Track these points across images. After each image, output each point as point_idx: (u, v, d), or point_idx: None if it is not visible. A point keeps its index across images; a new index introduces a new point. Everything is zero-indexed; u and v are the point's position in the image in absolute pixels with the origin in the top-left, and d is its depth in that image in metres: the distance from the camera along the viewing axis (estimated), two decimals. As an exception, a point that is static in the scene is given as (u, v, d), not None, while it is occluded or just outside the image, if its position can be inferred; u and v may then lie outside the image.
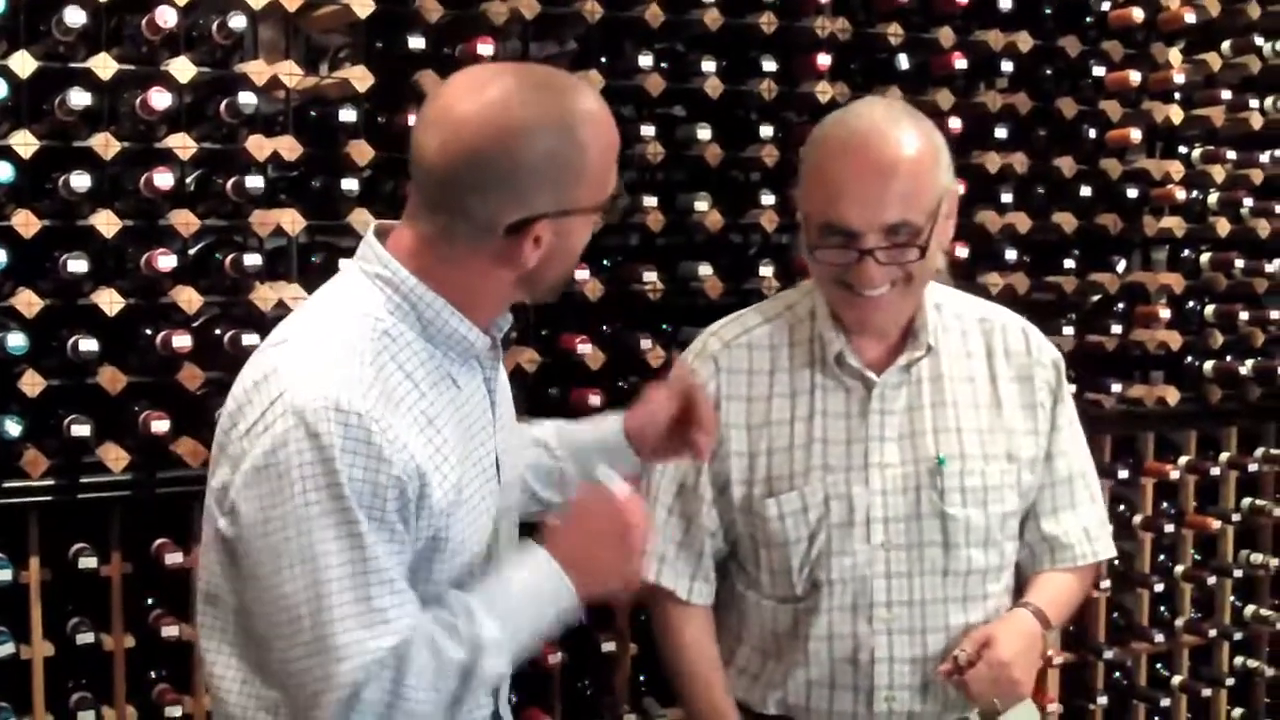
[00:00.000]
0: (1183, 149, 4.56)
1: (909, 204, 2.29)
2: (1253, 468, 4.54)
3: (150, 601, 3.34)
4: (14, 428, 3.06)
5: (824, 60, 3.85)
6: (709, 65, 3.72)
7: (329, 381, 1.86)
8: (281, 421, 1.85)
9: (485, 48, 3.42)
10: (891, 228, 2.28)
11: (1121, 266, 4.43)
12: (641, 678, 3.83)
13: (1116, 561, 4.13)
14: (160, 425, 3.13)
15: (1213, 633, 4.52)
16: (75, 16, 3.05)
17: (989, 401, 2.47)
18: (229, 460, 1.94)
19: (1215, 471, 4.47)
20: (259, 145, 3.29)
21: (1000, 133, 4.08)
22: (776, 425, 2.45)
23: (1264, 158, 4.53)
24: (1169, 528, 4.36)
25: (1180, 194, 4.41)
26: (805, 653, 2.45)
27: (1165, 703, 4.53)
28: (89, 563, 3.20)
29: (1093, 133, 4.27)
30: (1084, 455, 2.59)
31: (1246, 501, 4.58)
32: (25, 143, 3.10)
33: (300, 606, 1.84)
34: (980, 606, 2.46)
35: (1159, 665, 4.60)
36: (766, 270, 3.83)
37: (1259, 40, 4.54)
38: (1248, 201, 4.50)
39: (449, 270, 1.95)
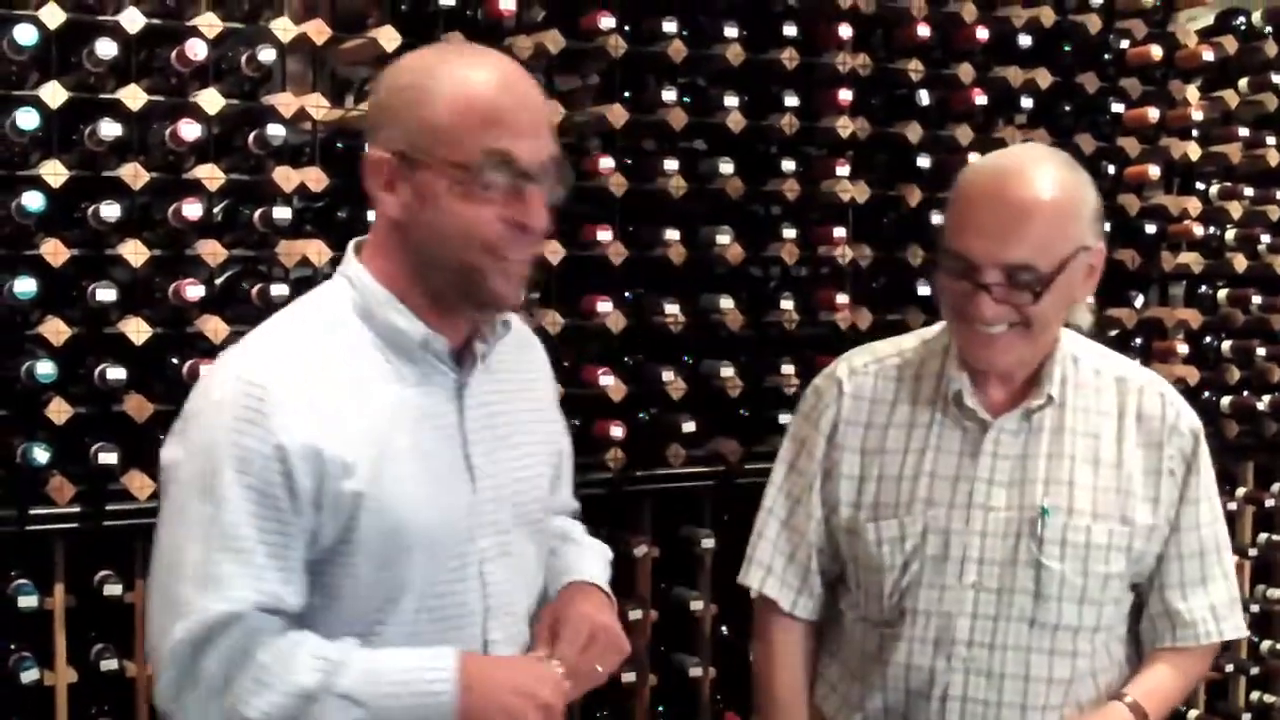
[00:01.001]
0: (1200, 185, 4.59)
1: (1036, 248, 2.24)
2: (1269, 503, 4.56)
3: (173, 629, 3.35)
4: (41, 455, 3.08)
5: (845, 95, 3.88)
6: (731, 100, 3.76)
7: (247, 357, 1.92)
8: (200, 386, 1.94)
9: (510, 81, 3.46)
10: (1013, 268, 2.24)
11: (1139, 302, 4.45)
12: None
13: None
14: (186, 453, 3.14)
15: (1229, 668, 4.52)
16: (106, 48, 3.09)
17: (1111, 460, 2.42)
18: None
19: (1232, 506, 4.47)
20: (286, 176, 3.32)
21: (1019, 168, 4.09)
22: (890, 454, 2.46)
23: (1281, 194, 4.57)
24: (1186, 562, 4.36)
25: (1198, 230, 4.44)
26: (884, 678, 2.45)
27: (1182, 738, 4.53)
28: (113, 590, 3.23)
29: (1111, 169, 4.29)
30: (1219, 531, 2.49)
31: (1263, 536, 4.59)
32: (55, 172, 3.14)
33: (163, 559, 1.88)
34: (1067, 663, 2.41)
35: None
36: (787, 304, 3.86)
37: (1276, 78, 4.57)
38: (1265, 238, 4.52)
39: (374, 252, 1.98)
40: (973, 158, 3.94)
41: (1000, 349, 2.33)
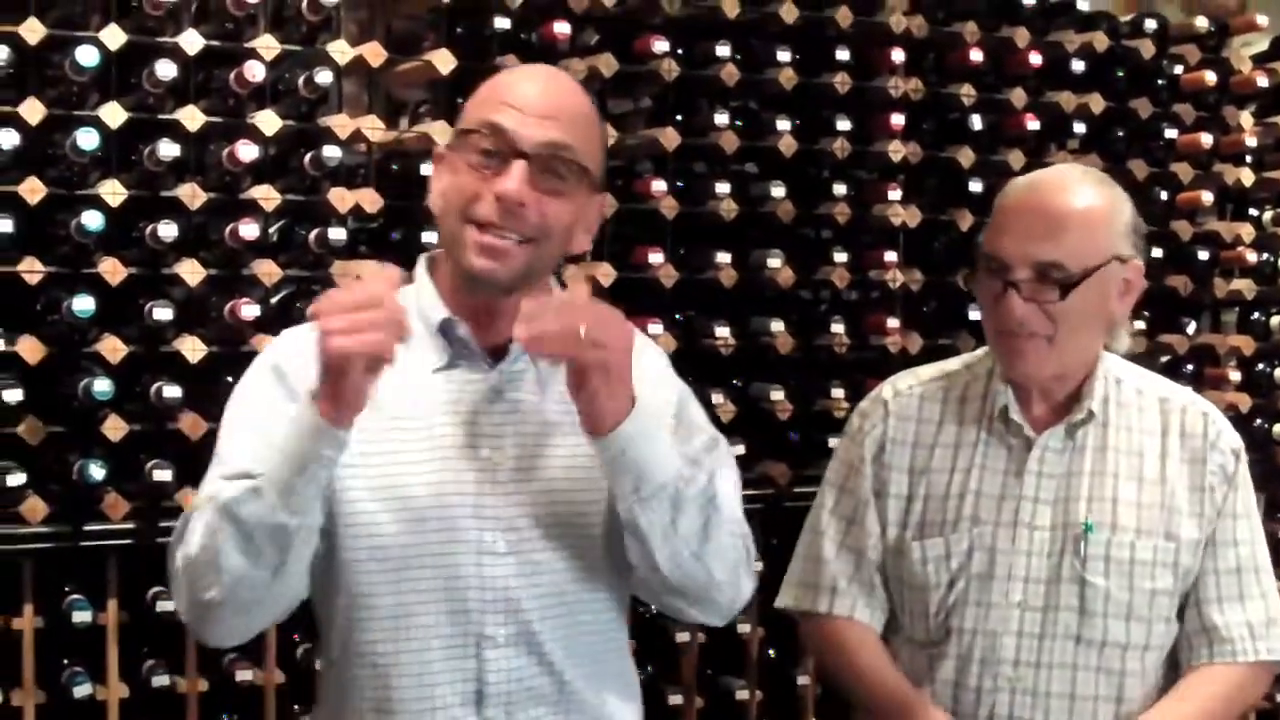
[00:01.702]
0: (1253, 211, 4.56)
1: (1067, 249, 2.28)
2: (1321, 531, 4.51)
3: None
4: (97, 471, 3.11)
5: (897, 120, 3.89)
6: (783, 124, 3.77)
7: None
8: None
9: (564, 104, 3.48)
10: (1042, 265, 2.28)
11: (1192, 328, 4.42)
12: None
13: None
14: (239, 471, 3.17)
15: (1279, 697, 4.48)
16: (166, 69, 3.13)
17: (1155, 478, 2.43)
18: None
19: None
20: (341, 197, 3.35)
21: (1071, 193, 4.08)
22: (936, 473, 2.47)
23: (1335, 221, 4.54)
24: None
25: (1251, 256, 4.41)
26: (931, 697, 2.46)
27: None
28: (166, 606, 3.24)
29: (1164, 195, 4.28)
30: (1258, 551, 2.48)
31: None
32: (114, 192, 3.17)
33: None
34: (1115, 681, 2.40)
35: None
36: (838, 327, 3.86)
37: (1330, 104, 4.55)
38: (1318, 264, 4.50)
39: (440, 256, 2.07)
40: (1025, 183, 3.94)
41: (1032, 358, 2.34)
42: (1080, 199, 2.32)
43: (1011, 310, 2.30)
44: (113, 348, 3.17)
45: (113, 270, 3.17)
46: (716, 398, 3.66)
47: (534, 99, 1.94)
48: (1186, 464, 2.44)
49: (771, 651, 3.92)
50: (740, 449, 3.70)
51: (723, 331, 3.70)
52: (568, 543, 2.02)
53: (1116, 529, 2.39)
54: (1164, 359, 4.32)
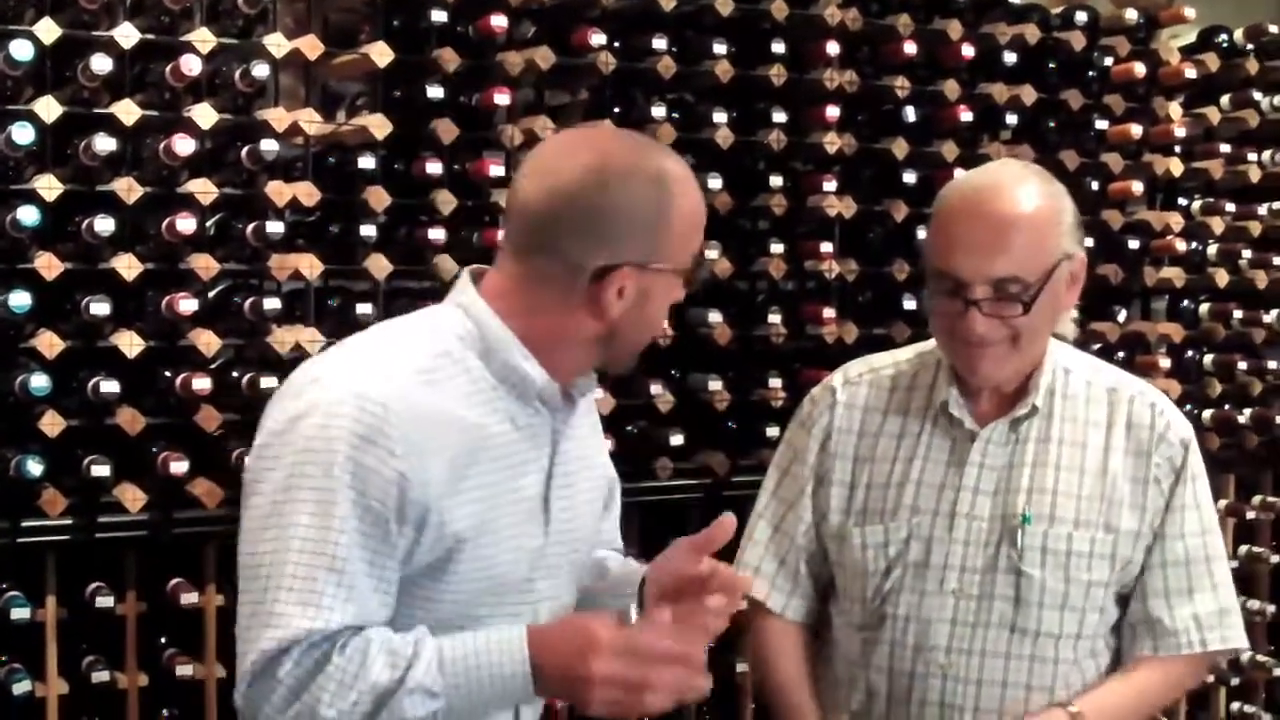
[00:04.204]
0: (1183, 201, 4.63)
1: (1020, 260, 2.28)
2: (1250, 515, 4.60)
3: (164, 641, 3.38)
4: (34, 467, 3.10)
5: (832, 112, 3.92)
6: (720, 116, 3.79)
7: (365, 372, 1.91)
8: (310, 395, 1.90)
9: (501, 97, 3.50)
10: (1000, 281, 2.28)
11: (1122, 316, 4.49)
12: None
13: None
14: (178, 466, 3.17)
15: (1210, 678, 4.55)
16: (101, 63, 3.11)
17: (1097, 469, 2.44)
18: (260, 426, 1.99)
19: (1213, 519, 4.50)
20: (278, 191, 3.34)
21: (1004, 184, 4.13)
22: (879, 461, 2.50)
23: (1262, 210, 4.62)
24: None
25: (1180, 245, 4.48)
26: (867, 682, 2.49)
27: (1163, 749, 4.56)
28: (105, 602, 3.24)
29: (1095, 185, 4.34)
30: (1210, 541, 2.48)
31: (1244, 549, 4.63)
32: (50, 186, 3.16)
33: (262, 568, 1.88)
34: (1048, 670, 2.43)
35: (1157, 711, 4.62)
36: (774, 318, 3.89)
37: (1257, 95, 4.62)
38: (1246, 253, 4.57)
39: (532, 315, 1.99)
40: (958, 173, 3.97)
41: (991, 361, 2.36)
42: (1025, 204, 2.31)
43: (973, 328, 2.31)
44: (49, 343, 3.15)
45: (49, 265, 3.15)
46: (655, 388, 3.68)
47: None
48: (1131, 456, 2.45)
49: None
50: (679, 439, 3.73)
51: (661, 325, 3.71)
52: (574, 573, 2.17)
53: (1054, 521, 2.41)
54: (1095, 346, 4.37)
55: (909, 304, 4.03)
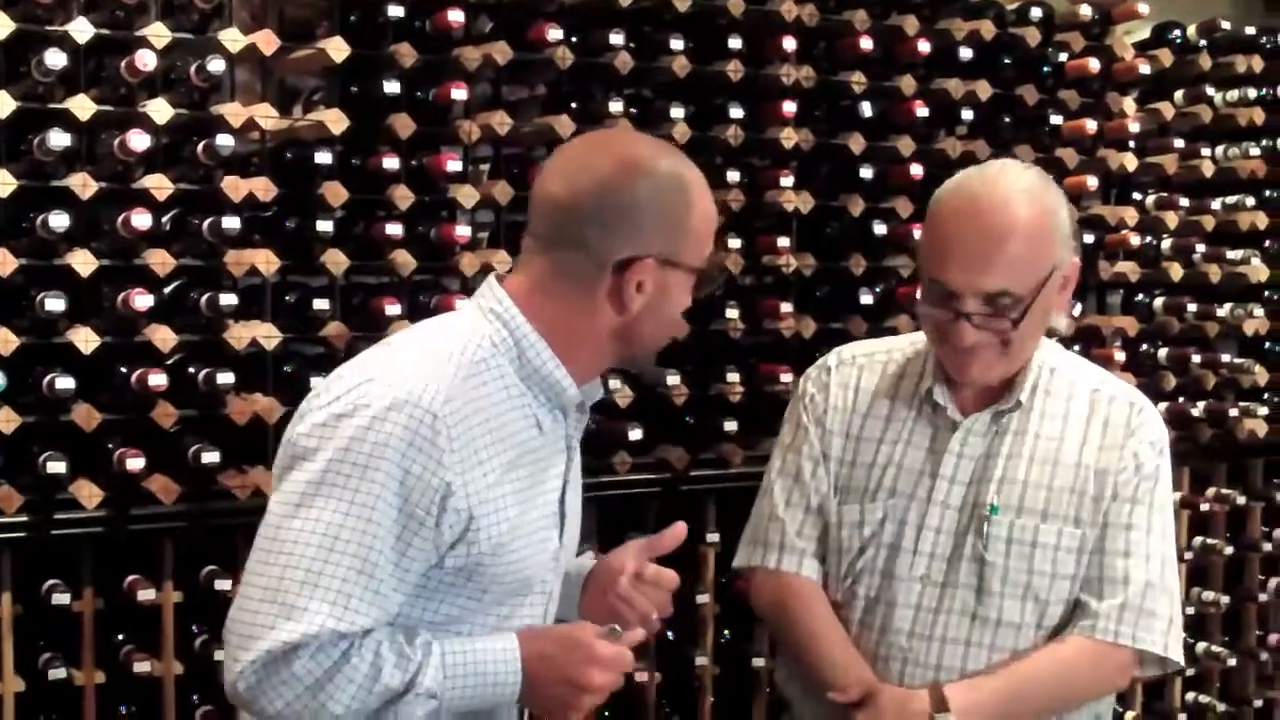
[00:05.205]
0: (1137, 196, 4.67)
1: (1013, 274, 2.30)
2: (1204, 507, 4.63)
3: (121, 637, 3.36)
4: (-11, 464, 3.09)
5: (789, 107, 3.93)
6: (677, 111, 3.80)
7: (416, 378, 1.95)
8: (360, 395, 1.94)
9: (458, 93, 3.50)
10: (991, 295, 2.31)
11: (1078, 310, 4.52)
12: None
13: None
14: (134, 463, 3.16)
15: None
16: (55, 58, 3.09)
17: (1071, 463, 2.46)
18: (299, 417, 2.01)
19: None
20: (234, 186, 3.33)
21: (960, 179, 4.15)
22: (866, 441, 2.54)
23: (1215, 205, 4.67)
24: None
25: (1134, 240, 4.52)
26: None
27: (1119, 739, 4.59)
28: (61, 598, 3.23)
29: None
30: (1156, 539, 2.48)
31: (1198, 540, 4.67)
32: (4, 182, 3.14)
33: (283, 554, 1.90)
34: (1007, 659, 2.45)
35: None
36: (732, 312, 3.90)
37: (1210, 90, 4.67)
38: (1200, 247, 4.62)
39: (556, 309, 2.04)
40: (914, 169, 4.02)
41: (981, 365, 2.40)
42: (1021, 216, 2.31)
43: (964, 338, 2.34)
44: (4, 339, 3.14)
45: (3, 261, 3.13)
46: (614, 383, 3.69)
47: None
48: (1103, 450, 2.47)
49: (670, 633, 3.95)
50: (638, 433, 3.73)
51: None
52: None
53: (1022, 512, 2.44)
54: (1051, 340, 4.40)
55: (866, 299, 4.04)
